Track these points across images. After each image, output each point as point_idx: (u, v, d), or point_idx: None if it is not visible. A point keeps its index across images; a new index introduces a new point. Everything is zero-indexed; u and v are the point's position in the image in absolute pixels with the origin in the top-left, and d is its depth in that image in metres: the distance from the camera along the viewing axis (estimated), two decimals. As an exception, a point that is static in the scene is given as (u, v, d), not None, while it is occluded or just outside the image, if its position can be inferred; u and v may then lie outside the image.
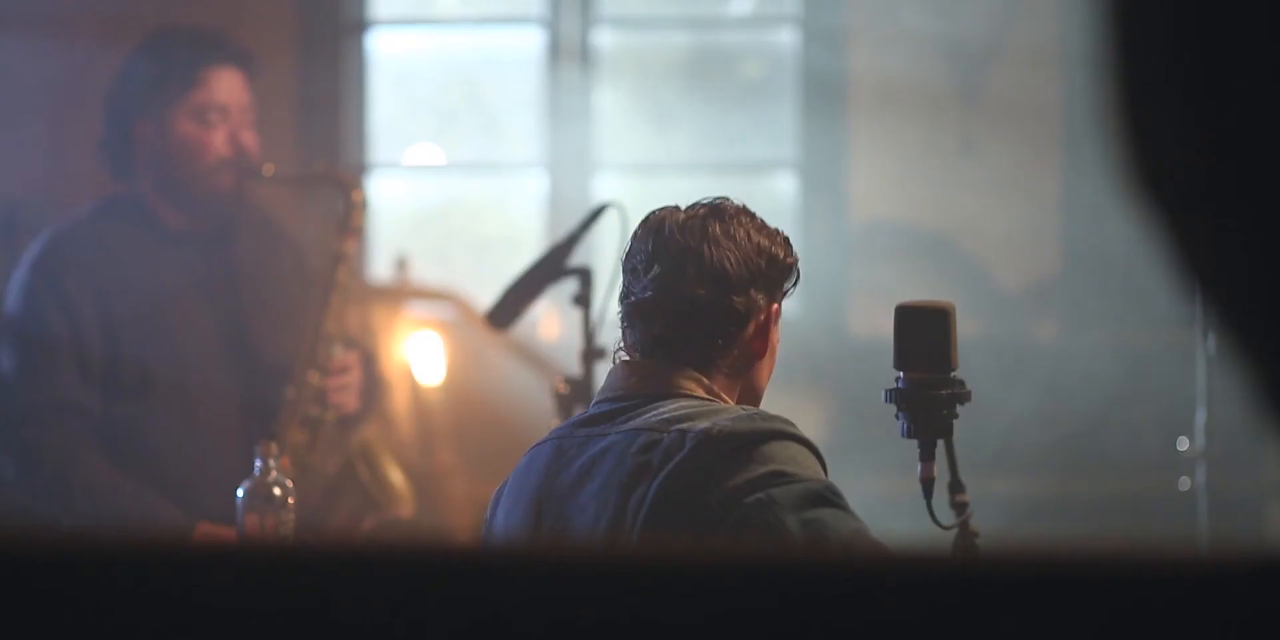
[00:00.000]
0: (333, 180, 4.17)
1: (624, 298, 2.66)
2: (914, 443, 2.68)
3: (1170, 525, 5.22)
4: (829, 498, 2.45)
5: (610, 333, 3.64)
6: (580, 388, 3.65)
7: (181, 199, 3.97)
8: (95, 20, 5.67)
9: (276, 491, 3.08)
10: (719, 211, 2.65)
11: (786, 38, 5.92)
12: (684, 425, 2.50)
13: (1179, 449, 4.26)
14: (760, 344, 2.64)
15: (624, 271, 2.67)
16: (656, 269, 2.60)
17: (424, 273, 5.70)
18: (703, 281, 2.59)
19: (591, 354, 3.67)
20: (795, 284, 2.68)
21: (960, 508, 2.75)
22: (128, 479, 3.82)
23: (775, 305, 2.65)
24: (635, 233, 2.67)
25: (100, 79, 5.74)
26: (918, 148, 5.67)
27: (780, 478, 2.44)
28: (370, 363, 4.20)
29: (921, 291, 5.57)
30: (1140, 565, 0.97)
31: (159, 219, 3.97)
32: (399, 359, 5.39)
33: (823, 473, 2.51)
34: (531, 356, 5.59)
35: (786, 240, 2.68)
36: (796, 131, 5.80)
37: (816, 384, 5.65)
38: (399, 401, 5.33)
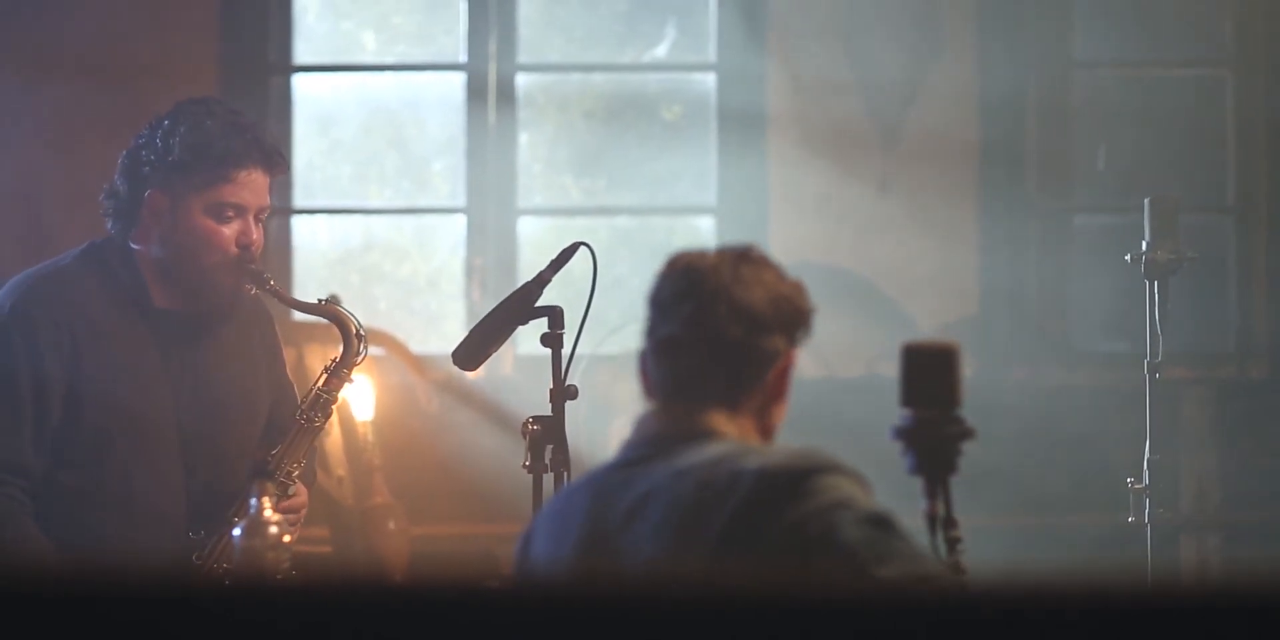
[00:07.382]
0: (335, 318, 4.01)
1: (650, 333, 2.72)
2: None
3: (1076, 558, 5.33)
4: (886, 522, 2.53)
5: (575, 370, 3.69)
6: (550, 427, 3.63)
7: (177, 282, 3.88)
8: (19, 57, 5.65)
9: (273, 529, 3.09)
10: (747, 256, 2.72)
11: (705, 81, 6.00)
12: (733, 465, 2.56)
13: (1129, 484, 4.37)
14: (780, 386, 2.72)
15: (650, 307, 2.72)
16: (688, 307, 2.67)
17: (346, 313, 5.71)
18: (734, 321, 2.66)
19: (562, 393, 3.66)
20: (808, 333, 2.76)
21: (953, 543, 2.81)
22: (55, 553, 3.73)
23: (794, 350, 2.73)
24: (662, 271, 2.73)
25: (23, 116, 5.71)
26: (836, 189, 5.76)
27: (839, 507, 2.51)
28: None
29: (841, 331, 5.70)
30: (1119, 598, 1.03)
31: (146, 288, 3.87)
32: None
33: (874, 502, 2.58)
34: (461, 393, 5.61)
35: (805, 288, 2.76)
36: (716, 173, 5.87)
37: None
38: (333, 441, 5.33)
